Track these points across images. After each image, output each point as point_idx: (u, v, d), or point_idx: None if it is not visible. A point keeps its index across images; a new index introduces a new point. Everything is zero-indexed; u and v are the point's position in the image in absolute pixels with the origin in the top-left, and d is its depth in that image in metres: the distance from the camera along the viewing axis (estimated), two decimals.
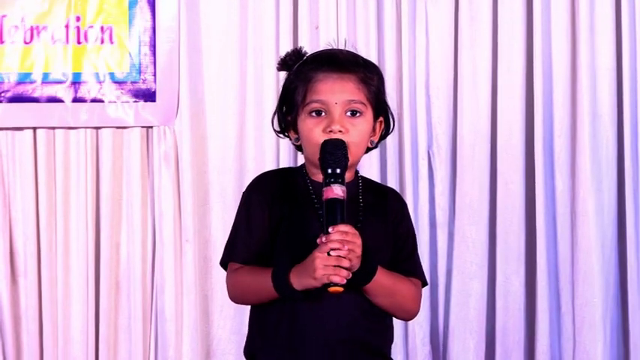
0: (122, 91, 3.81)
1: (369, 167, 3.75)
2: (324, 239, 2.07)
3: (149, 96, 3.82)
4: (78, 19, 3.79)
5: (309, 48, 2.34)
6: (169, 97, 3.83)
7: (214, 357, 3.87)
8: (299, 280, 2.11)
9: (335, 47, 2.29)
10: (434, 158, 3.92)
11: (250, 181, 2.32)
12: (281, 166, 3.78)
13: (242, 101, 3.88)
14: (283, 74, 2.32)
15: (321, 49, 2.31)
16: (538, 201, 3.87)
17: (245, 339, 2.31)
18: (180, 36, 3.83)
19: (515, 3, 3.90)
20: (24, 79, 3.78)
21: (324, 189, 2.11)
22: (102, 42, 3.80)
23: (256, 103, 3.85)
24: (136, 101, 3.82)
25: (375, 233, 2.21)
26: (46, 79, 3.78)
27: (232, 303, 2.32)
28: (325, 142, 2.16)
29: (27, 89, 3.78)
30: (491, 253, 3.92)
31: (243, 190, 2.30)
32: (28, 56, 3.78)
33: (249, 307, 2.31)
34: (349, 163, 2.16)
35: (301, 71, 2.24)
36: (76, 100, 3.79)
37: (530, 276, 3.91)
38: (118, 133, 3.84)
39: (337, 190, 2.10)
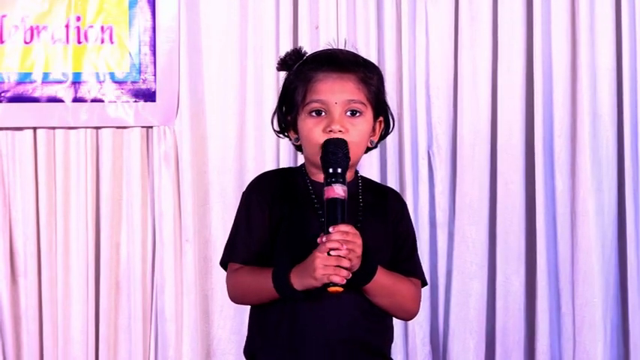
0: (122, 91, 3.81)
1: (369, 167, 3.75)
2: (324, 239, 2.07)
3: (149, 96, 3.82)
4: (78, 18, 3.79)
5: (309, 48, 2.34)
6: (169, 97, 3.83)
7: (214, 357, 3.87)
8: (299, 280, 2.11)
9: (335, 47, 2.29)
10: (434, 158, 3.92)
11: (250, 181, 2.32)
12: (281, 166, 3.78)
13: (242, 101, 3.88)
14: (283, 74, 2.32)
15: (321, 49, 2.31)
16: (538, 201, 3.87)
17: (245, 339, 2.31)
18: (180, 36, 3.83)
19: (515, 3, 3.90)
20: (24, 79, 3.78)
21: (326, 188, 2.11)
22: (102, 42, 3.80)
23: (256, 103, 3.85)
24: (136, 101, 3.82)
25: (374, 233, 2.21)
26: (46, 79, 3.78)
27: (232, 303, 2.32)
28: (327, 141, 2.16)
29: (27, 89, 3.78)
30: (491, 253, 3.92)
31: (243, 190, 2.30)
32: (28, 56, 3.78)
33: (249, 307, 2.31)
34: (349, 163, 2.17)
35: (301, 71, 2.24)
36: (76, 100, 3.79)
37: (530, 276, 3.91)
38: (118, 133, 3.84)
39: (338, 190, 2.10)
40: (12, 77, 3.77)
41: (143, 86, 3.82)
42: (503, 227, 3.90)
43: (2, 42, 3.77)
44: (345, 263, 2.07)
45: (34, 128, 3.81)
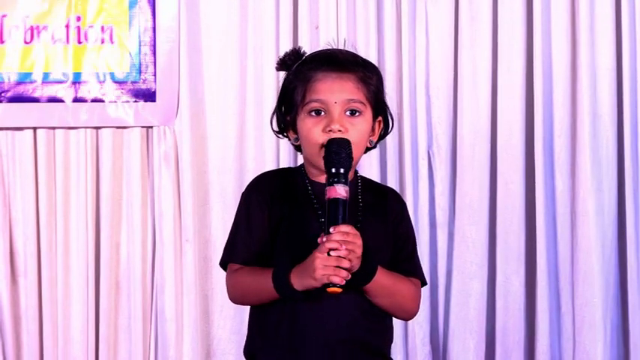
0: (122, 91, 3.81)
1: (369, 167, 3.75)
2: (324, 239, 2.07)
3: (149, 96, 3.82)
4: (78, 19, 3.79)
5: (309, 48, 2.34)
6: (169, 97, 3.83)
7: (214, 357, 3.87)
8: (299, 281, 2.11)
9: (334, 47, 2.29)
10: (434, 158, 3.92)
11: (250, 181, 2.32)
12: (281, 166, 3.78)
13: (242, 101, 3.88)
14: (283, 74, 2.32)
15: (320, 48, 2.31)
16: (538, 201, 3.87)
17: (245, 339, 2.31)
18: (180, 36, 3.83)
19: (515, 3, 3.90)
20: (24, 79, 3.78)
21: (327, 188, 2.10)
22: (102, 42, 3.80)
23: (256, 103, 3.85)
24: (136, 101, 3.82)
25: (374, 233, 2.21)
26: (46, 79, 3.78)
27: (232, 303, 2.31)
28: (330, 141, 2.15)
29: (27, 89, 3.78)
30: (491, 253, 3.92)
31: (243, 190, 2.30)
32: (28, 56, 3.78)
33: (249, 307, 2.31)
34: None
35: (300, 71, 2.24)
36: (76, 100, 3.79)
37: (530, 276, 3.91)
38: (118, 133, 3.84)
39: (340, 190, 2.09)
40: (12, 77, 3.77)
41: (143, 86, 3.82)
42: (503, 227, 3.90)
43: (2, 42, 3.77)
44: (345, 264, 2.07)
45: (34, 128, 3.81)
